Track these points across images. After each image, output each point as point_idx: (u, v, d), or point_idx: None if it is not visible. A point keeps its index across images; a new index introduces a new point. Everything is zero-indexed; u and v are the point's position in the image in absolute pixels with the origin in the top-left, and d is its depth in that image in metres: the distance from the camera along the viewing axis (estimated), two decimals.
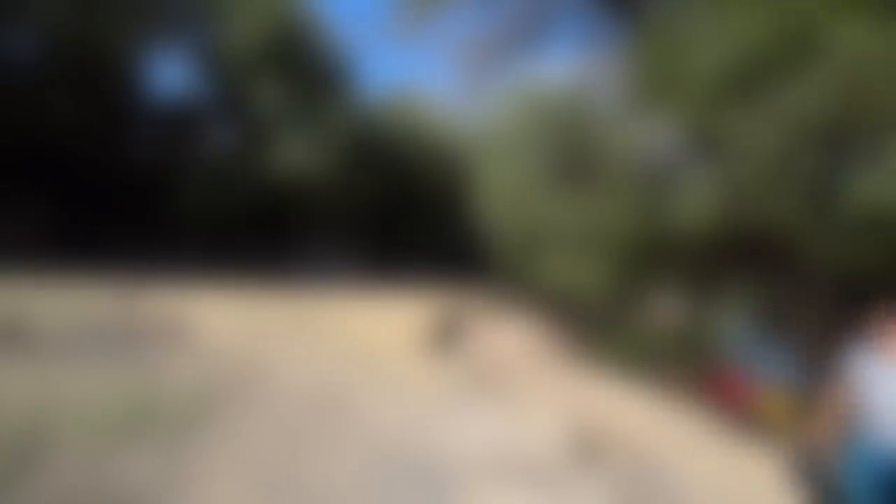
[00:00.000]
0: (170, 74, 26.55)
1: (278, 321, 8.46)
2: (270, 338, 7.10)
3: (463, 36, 11.83)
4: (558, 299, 11.30)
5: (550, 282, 10.52)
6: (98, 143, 15.89)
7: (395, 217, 21.24)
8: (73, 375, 4.35)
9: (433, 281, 15.73)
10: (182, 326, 6.92)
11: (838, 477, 3.14)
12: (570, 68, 12.66)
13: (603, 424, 4.87)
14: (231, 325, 7.51)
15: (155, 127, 18.09)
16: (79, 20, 14.34)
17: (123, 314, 7.31)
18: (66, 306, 7.21)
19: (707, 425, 6.09)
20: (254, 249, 17.87)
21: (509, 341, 9.50)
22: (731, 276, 8.63)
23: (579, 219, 9.74)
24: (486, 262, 14.84)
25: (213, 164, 18.46)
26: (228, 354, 5.80)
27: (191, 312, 7.92)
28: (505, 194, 12.48)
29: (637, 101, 8.54)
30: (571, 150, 11.49)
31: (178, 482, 2.81)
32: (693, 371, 7.90)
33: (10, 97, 13.86)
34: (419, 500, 3.01)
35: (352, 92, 20.42)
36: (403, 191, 21.26)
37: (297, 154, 18.12)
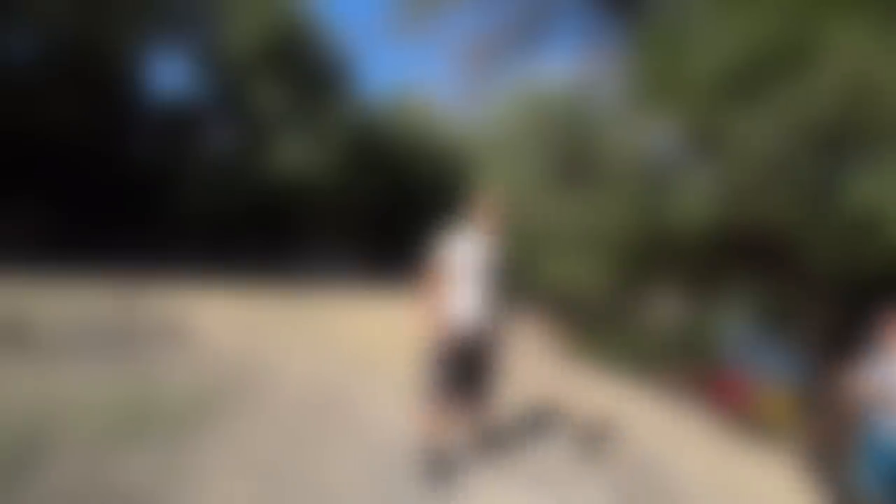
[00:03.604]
0: (170, 74, 26.58)
1: (278, 321, 8.47)
2: (270, 337, 7.10)
3: (463, 36, 11.84)
4: (558, 299, 11.30)
5: (550, 282, 10.52)
6: (98, 143, 15.90)
7: (395, 217, 21.24)
8: (72, 375, 4.36)
9: None
10: (182, 326, 6.92)
11: (852, 472, 3.20)
12: (570, 68, 12.68)
13: (603, 424, 4.87)
14: (231, 325, 7.51)
15: (155, 127, 18.09)
16: (79, 20, 14.34)
17: (123, 314, 7.31)
18: (66, 306, 7.22)
19: (707, 425, 6.09)
20: (254, 249, 17.88)
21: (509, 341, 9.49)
22: (731, 276, 8.63)
23: (579, 219, 9.74)
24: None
25: (214, 164, 18.47)
26: (228, 354, 5.80)
27: (191, 312, 7.93)
28: (505, 194, 12.45)
29: (637, 101, 8.54)
30: (571, 151, 11.49)
31: (178, 482, 2.81)
32: (693, 371, 7.91)
33: (9, 97, 13.87)
34: (419, 499, 3.01)
35: (352, 92, 20.43)
36: (403, 191, 21.27)
37: (297, 154, 18.12)
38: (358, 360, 6.35)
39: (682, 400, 7.04)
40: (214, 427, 3.62)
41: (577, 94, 12.11)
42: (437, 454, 3.40)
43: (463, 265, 3.39)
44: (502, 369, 3.56)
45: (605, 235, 9.05)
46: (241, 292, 11.17)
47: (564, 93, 12.56)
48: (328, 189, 19.11)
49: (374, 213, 20.83)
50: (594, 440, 4.24)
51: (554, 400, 5.43)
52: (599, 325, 10.44)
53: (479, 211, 3.52)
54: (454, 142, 20.41)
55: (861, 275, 6.17)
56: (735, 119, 6.39)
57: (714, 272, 8.65)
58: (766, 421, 6.39)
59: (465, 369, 3.34)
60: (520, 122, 13.08)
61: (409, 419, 4.03)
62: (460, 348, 3.34)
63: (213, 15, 17.25)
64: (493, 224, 3.52)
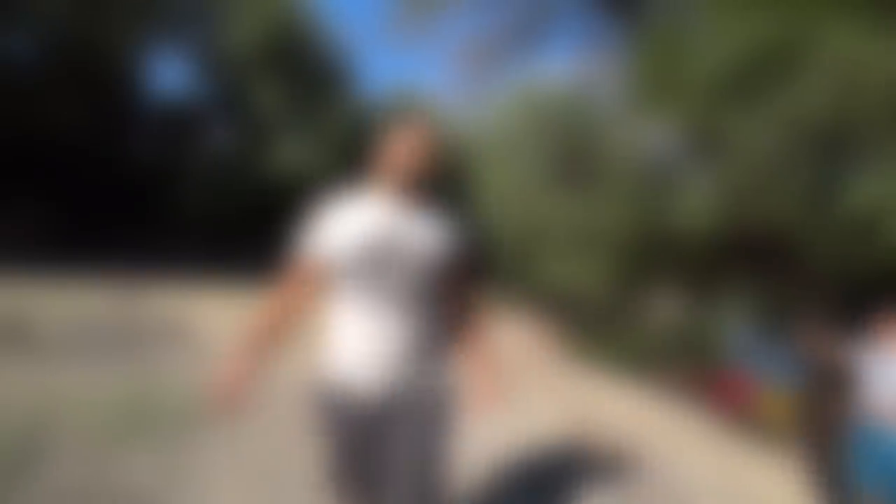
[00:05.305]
0: (170, 74, 26.58)
1: None
2: None
3: (463, 36, 11.85)
4: (558, 299, 11.30)
5: (550, 282, 10.53)
6: (98, 143, 15.90)
7: None
8: (73, 375, 4.35)
9: None
10: (182, 326, 6.92)
11: (850, 471, 3.22)
12: (570, 68, 12.70)
13: (603, 424, 4.87)
14: (231, 325, 7.51)
15: (155, 127, 18.10)
16: (79, 20, 14.35)
17: (123, 314, 7.31)
18: (66, 306, 7.21)
19: (707, 425, 6.09)
20: (254, 249, 17.88)
21: (509, 342, 9.51)
22: (732, 276, 8.64)
23: (579, 219, 9.75)
24: (485, 263, 14.85)
25: (214, 164, 18.48)
26: (228, 354, 5.80)
27: (191, 312, 7.93)
28: (505, 195, 12.48)
29: (637, 102, 8.55)
30: (571, 151, 11.50)
31: (178, 482, 2.81)
32: (693, 371, 7.91)
33: (9, 97, 13.87)
34: None
35: (352, 92, 20.45)
36: None
37: (297, 154, 18.13)
38: None
39: (682, 400, 7.04)
40: (214, 427, 3.62)
41: (577, 94, 12.13)
42: None
43: (355, 264, 1.76)
44: (446, 452, 1.80)
45: (605, 235, 9.06)
46: (242, 292, 11.16)
47: (564, 93, 12.58)
48: (328, 188, 19.12)
49: None
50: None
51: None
52: (600, 325, 10.44)
53: (390, 161, 1.78)
54: (454, 142, 20.42)
55: (861, 275, 6.18)
56: (734, 120, 6.40)
57: (715, 273, 8.66)
58: (767, 421, 6.39)
59: (374, 459, 1.75)
60: (520, 122, 13.10)
61: None
62: (358, 423, 1.76)
63: (213, 15, 17.25)
64: (417, 179, 1.79)
